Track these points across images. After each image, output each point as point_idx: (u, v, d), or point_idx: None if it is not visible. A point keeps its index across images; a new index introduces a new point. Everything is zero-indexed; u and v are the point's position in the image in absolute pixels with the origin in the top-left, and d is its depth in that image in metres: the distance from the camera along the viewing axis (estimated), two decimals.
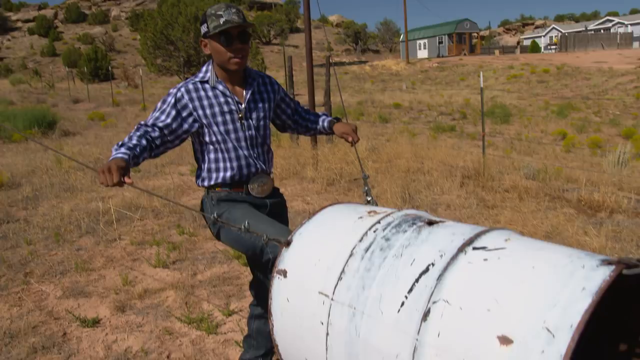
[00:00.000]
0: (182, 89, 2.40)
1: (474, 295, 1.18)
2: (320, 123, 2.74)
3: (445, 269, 1.28)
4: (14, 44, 60.69)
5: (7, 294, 3.99)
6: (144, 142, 2.26)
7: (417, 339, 1.19)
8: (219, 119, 2.40)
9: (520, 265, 1.21)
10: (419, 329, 1.20)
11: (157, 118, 2.36)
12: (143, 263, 4.58)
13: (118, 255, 4.79)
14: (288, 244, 1.81)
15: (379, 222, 1.60)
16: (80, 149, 10.62)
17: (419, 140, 12.79)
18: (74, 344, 3.28)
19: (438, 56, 53.78)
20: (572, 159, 11.81)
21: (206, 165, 2.50)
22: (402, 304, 1.28)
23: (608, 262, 1.14)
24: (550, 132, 16.23)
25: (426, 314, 1.21)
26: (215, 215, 2.27)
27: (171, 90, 2.43)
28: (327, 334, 1.45)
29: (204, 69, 2.48)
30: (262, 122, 2.53)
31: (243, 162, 2.47)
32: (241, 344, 2.89)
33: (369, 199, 2.38)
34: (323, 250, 1.66)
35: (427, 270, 1.30)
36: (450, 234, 1.41)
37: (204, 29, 2.37)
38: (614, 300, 1.43)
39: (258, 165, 2.51)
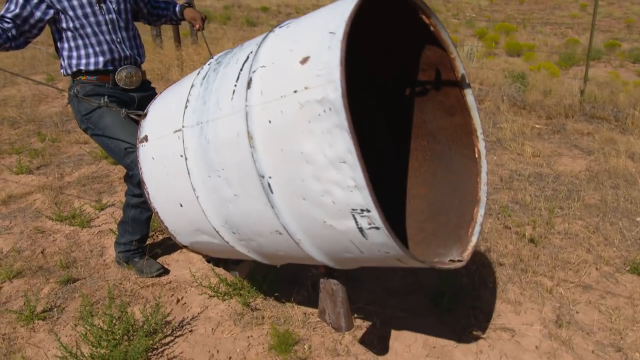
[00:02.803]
0: None
1: (280, 48, 1.42)
2: (171, 9, 2.77)
3: (259, 47, 1.50)
4: None
5: None
6: None
7: (246, 106, 1.40)
8: (75, 2, 2.37)
9: (310, 18, 1.48)
10: (246, 98, 1.41)
11: (7, 8, 2.31)
12: (4, 171, 4.38)
13: None
14: (145, 115, 1.93)
15: (212, 57, 1.79)
16: None
17: None
18: None
19: None
20: None
21: (67, 53, 2.48)
22: (234, 92, 1.48)
23: None
24: None
25: (249, 83, 1.42)
26: (82, 113, 2.37)
27: None
28: (186, 159, 1.63)
29: None
30: (122, 6, 2.51)
31: (105, 47, 2.46)
32: (116, 232, 3.00)
33: None
34: (171, 98, 1.82)
35: (247, 58, 1.51)
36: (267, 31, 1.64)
37: None
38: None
39: (122, 51, 2.51)
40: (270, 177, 1.36)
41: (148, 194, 1.87)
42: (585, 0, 24.98)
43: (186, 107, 1.67)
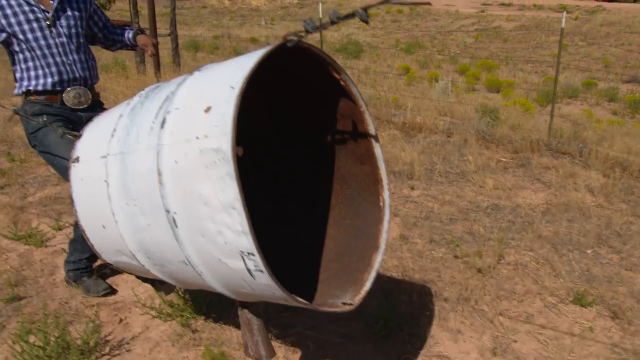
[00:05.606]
0: None
1: (192, 94, 1.50)
2: (126, 35, 2.87)
3: (177, 89, 1.59)
4: None
5: None
6: None
7: (158, 144, 1.48)
8: (25, 27, 2.46)
9: (222, 66, 1.56)
10: (159, 136, 1.49)
11: None
12: None
13: None
14: (80, 136, 1.99)
15: (144, 89, 1.87)
16: None
17: None
18: None
19: None
20: (411, 91, 12.81)
21: (19, 75, 2.58)
22: (151, 128, 1.56)
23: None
24: (396, 67, 17.32)
25: (163, 123, 1.50)
26: (29, 132, 2.44)
27: None
28: (108, 185, 1.69)
29: None
30: (73, 30, 2.60)
31: (54, 68, 2.55)
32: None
33: None
34: (103, 124, 1.88)
35: (167, 97, 1.60)
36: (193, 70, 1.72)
37: None
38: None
39: (71, 72, 2.60)
40: (175, 213, 1.44)
41: (76, 212, 1.92)
42: (566, 40, 25.66)
43: (112, 135, 1.75)
